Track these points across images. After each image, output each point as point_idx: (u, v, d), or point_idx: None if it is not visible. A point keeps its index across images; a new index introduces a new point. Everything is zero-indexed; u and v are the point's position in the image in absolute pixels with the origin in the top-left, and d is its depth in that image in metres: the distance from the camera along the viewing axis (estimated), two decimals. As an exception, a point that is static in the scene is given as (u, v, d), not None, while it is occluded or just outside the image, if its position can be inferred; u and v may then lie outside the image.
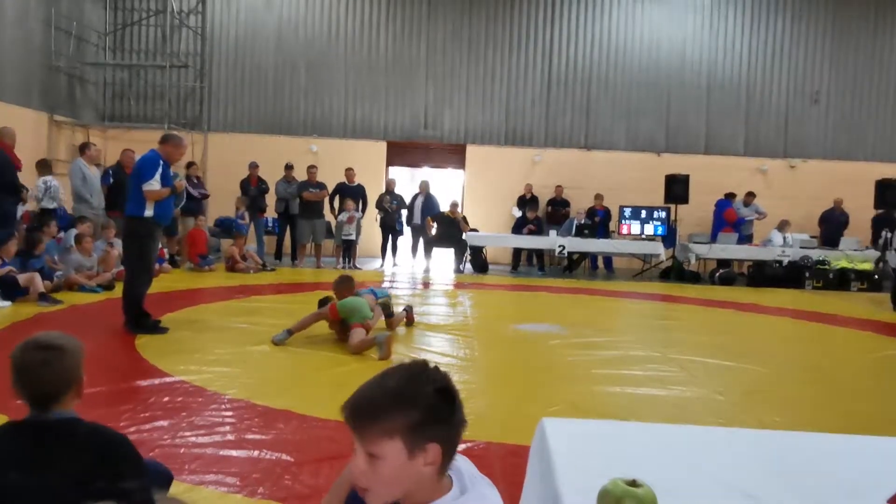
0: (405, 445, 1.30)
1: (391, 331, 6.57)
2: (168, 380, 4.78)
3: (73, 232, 9.25)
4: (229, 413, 4.14)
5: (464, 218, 13.63)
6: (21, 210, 9.46)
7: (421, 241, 13.47)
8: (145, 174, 6.25)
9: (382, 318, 6.75)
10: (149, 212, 6.27)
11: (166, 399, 4.36)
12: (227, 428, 3.87)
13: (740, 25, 15.69)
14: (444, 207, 13.61)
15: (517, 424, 3.94)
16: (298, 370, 5.32)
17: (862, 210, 14.04)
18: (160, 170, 6.26)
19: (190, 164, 12.69)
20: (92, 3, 14.82)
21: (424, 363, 1.41)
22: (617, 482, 1.56)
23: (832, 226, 14.31)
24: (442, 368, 1.41)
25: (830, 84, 15.74)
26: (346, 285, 6.48)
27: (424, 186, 13.59)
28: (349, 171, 13.10)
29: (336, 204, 12.89)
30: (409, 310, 7.26)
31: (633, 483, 1.56)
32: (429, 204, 13.41)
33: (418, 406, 1.31)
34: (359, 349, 5.78)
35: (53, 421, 1.90)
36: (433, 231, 13.27)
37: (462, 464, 1.45)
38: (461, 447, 1.40)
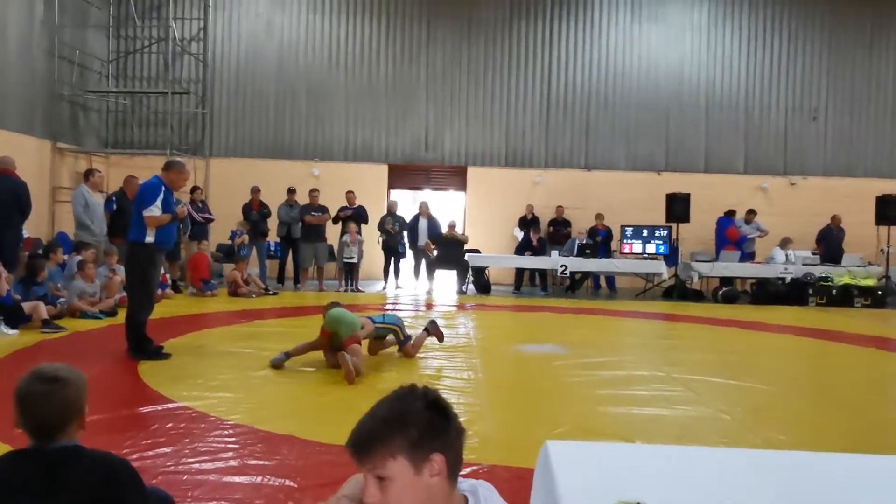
0: (410, 462, 1.36)
1: (410, 357, 6.53)
2: (171, 406, 4.77)
3: (76, 258, 9.27)
4: (232, 439, 4.12)
5: (462, 235, 13.65)
6: (23, 237, 9.50)
7: (423, 262, 13.48)
8: (146, 200, 6.27)
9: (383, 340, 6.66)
10: (150, 238, 6.28)
11: (169, 425, 4.34)
12: (230, 454, 3.86)
13: (737, 45, 15.81)
14: (444, 229, 13.64)
15: (522, 446, 3.91)
16: (301, 395, 5.31)
17: (863, 226, 14.05)
18: (161, 196, 6.29)
19: (194, 189, 12.75)
20: (95, 32, 14.98)
21: (411, 385, 1.48)
22: (621, 504, 1.55)
23: (831, 243, 14.22)
24: (440, 390, 1.45)
25: (828, 101, 15.83)
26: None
27: (425, 208, 13.62)
28: (350, 194, 13.16)
29: (341, 227, 12.94)
30: (432, 327, 6.89)
31: (638, 505, 1.55)
32: (431, 226, 13.43)
33: (412, 423, 1.38)
34: (350, 377, 5.53)
35: (57, 449, 1.91)
36: (433, 253, 13.29)
37: (481, 488, 1.47)
38: (465, 470, 1.42)
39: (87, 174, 10.60)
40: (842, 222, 14.30)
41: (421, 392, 1.44)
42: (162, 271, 10.75)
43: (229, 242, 13.81)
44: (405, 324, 6.82)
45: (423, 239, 13.34)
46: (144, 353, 6.25)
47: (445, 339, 7.13)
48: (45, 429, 1.91)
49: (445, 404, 1.44)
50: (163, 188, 6.34)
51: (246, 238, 13.10)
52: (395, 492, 1.36)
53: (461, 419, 1.49)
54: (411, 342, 6.65)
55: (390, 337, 6.65)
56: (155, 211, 6.24)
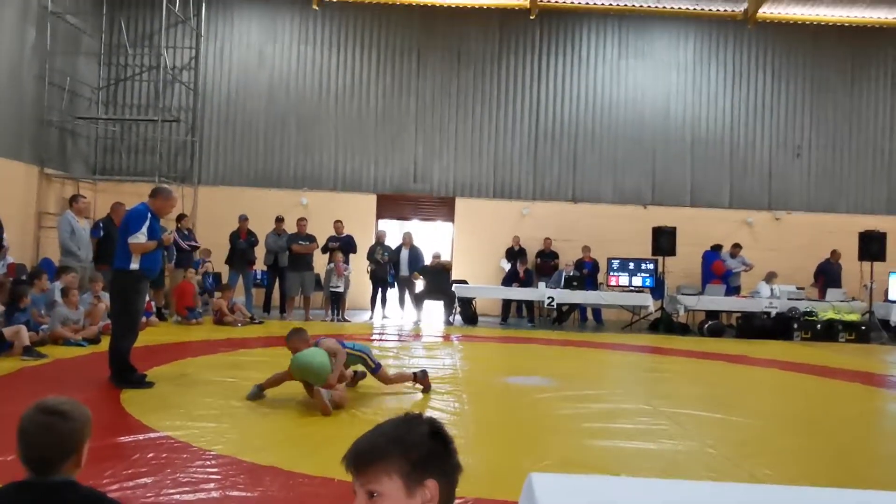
0: (404, 484, 1.38)
1: (387, 384, 6.37)
2: (153, 435, 4.71)
3: (58, 285, 9.19)
4: (214, 469, 4.06)
5: (445, 263, 13.65)
6: (5, 263, 9.42)
7: (407, 293, 13.46)
8: (132, 227, 6.24)
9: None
10: (135, 265, 6.24)
11: (151, 455, 4.28)
12: (212, 485, 3.81)
13: (722, 82, 16.09)
14: (429, 259, 13.65)
15: (507, 479, 3.89)
16: (285, 425, 5.26)
17: (846, 261, 14.18)
18: (147, 223, 6.25)
19: (181, 217, 12.70)
20: (86, 59, 15.04)
21: (419, 413, 1.51)
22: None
23: (831, 278, 14.24)
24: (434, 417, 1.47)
25: (811, 138, 16.09)
26: (298, 337, 6.12)
27: (408, 238, 13.63)
28: (337, 224, 13.17)
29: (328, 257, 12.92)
30: (421, 375, 6.51)
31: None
32: (413, 256, 13.44)
33: (414, 446, 1.41)
34: (326, 412, 5.46)
35: (51, 484, 1.89)
36: (419, 284, 13.29)
37: None
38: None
39: (72, 200, 10.57)
40: (840, 258, 14.34)
41: (427, 419, 1.47)
42: (147, 299, 10.73)
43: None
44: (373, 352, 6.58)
45: (405, 269, 13.33)
46: (127, 382, 6.16)
47: (431, 369, 7.04)
48: (41, 462, 1.89)
49: (449, 437, 1.48)
50: (149, 215, 6.31)
51: (210, 266, 12.97)
52: None
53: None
54: (394, 375, 6.47)
55: (360, 369, 6.45)
56: (140, 238, 6.20)
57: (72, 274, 9.42)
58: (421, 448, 1.41)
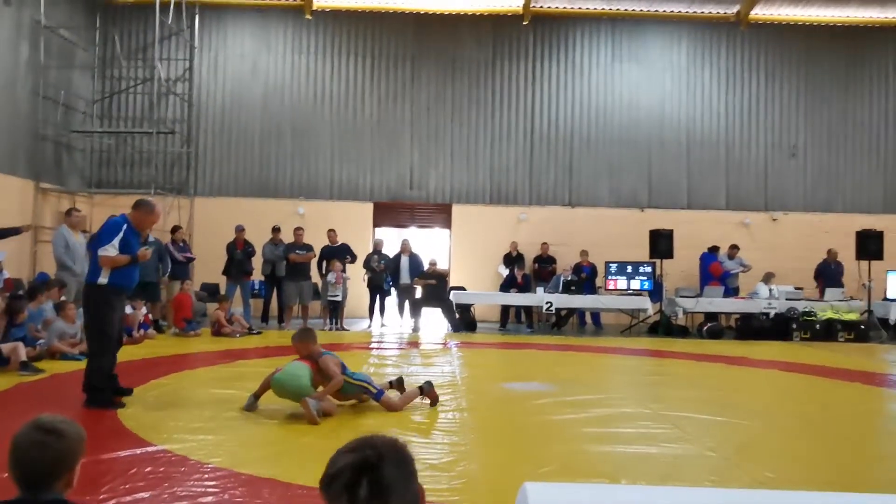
0: None
1: (395, 411, 5.95)
2: (150, 449, 4.68)
3: (48, 302, 9.14)
4: (212, 482, 4.03)
5: (443, 272, 13.62)
6: (2, 278, 9.40)
7: (407, 301, 13.43)
8: (104, 239, 5.93)
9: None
10: (103, 279, 5.90)
11: (148, 469, 4.25)
12: (210, 498, 3.77)
13: (716, 84, 16.13)
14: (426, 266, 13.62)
15: (507, 487, 3.85)
16: (283, 436, 5.23)
17: (844, 261, 14.18)
18: (121, 235, 5.93)
19: (176, 229, 12.69)
20: (80, 73, 15.05)
21: (364, 439, 1.47)
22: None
23: (829, 278, 14.20)
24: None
25: (807, 138, 16.12)
26: (304, 338, 6.03)
27: (406, 246, 13.60)
28: (331, 233, 13.14)
29: (324, 267, 12.87)
30: (427, 388, 6.23)
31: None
32: (413, 263, 13.41)
33: (324, 487, 1.43)
34: (313, 421, 5.40)
35: (42, 502, 1.87)
36: (417, 292, 13.27)
37: None
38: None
39: (67, 214, 10.55)
40: (838, 256, 14.33)
41: (352, 463, 1.41)
42: (144, 311, 10.71)
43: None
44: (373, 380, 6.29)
45: (405, 277, 13.31)
46: (96, 402, 5.84)
47: (430, 376, 6.99)
48: (32, 479, 1.87)
49: (364, 482, 1.39)
50: (124, 227, 6.01)
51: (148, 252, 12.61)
52: None
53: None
54: (400, 398, 6.16)
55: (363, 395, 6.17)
56: (111, 251, 5.86)
57: (55, 289, 9.35)
58: (327, 491, 1.41)
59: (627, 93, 16.03)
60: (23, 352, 7.52)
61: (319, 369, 5.90)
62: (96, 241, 6.07)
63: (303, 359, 6.00)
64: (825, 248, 14.58)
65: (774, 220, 15.86)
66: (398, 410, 5.99)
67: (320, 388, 5.81)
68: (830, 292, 13.59)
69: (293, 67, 15.78)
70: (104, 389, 5.98)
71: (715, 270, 13.99)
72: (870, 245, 13.35)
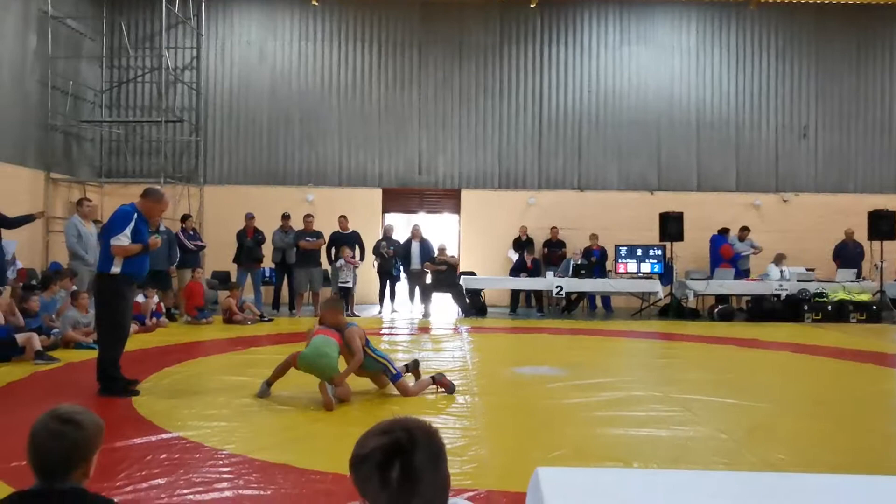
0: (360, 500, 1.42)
1: (409, 396, 5.94)
2: (165, 436, 4.73)
3: (61, 292, 9.21)
4: (227, 469, 4.08)
5: (452, 258, 13.60)
6: (15, 269, 9.47)
7: (417, 287, 13.45)
8: (115, 228, 5.95)
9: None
10: (116, 268, 5.92)
11: (163, 456, 4.30)
12: (225, 484, 3.82)
13: (726, 65, 15.98)
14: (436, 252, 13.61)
15: (519, 471, 3.88)
16: (297, 422, 5.26)
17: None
18: (132, 224, 5.96)
19: (185, 217, 12.75)
20: (88, 63, 15.07)
21: (392, 421, 1.47)
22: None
23: (848, 259, 14.10)
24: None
25: (818, 119, 15.97)
26: (334, 306, 6.07)
27: (417, 231, 13.59)
28: (342, 220, 13.15)
29: (333, 254, 12.91)
30: (439, 378, 6.19)
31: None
32: (423, 248, 13.42)
33: (355, 469, 1.43)
34: (329, 406, 5.45)
35: (59, 492, 1.89)
36: (428, 277, 13.28)
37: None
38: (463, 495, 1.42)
39: (78, 204, 10.61)
40: (854, 235, 14.25)
41: (388, 444, 1.41)
42: (156, 300, 10.78)
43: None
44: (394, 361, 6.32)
45: (416, 262, 13.31)
46: (110, 391, 5.91)
47: (441, 361, 7.03)
48: (49, 469, 1.90)
49: (394, 471, 1.39)
50: (135, 216, 6.03)
51: (159, 240, 12.47)
52: None
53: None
54: (416, 384, 6.16)
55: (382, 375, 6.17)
56: (123, 240, 5.89)
57: (66, 279, 9.43)
58: (359, 475, 1.42)
59: (636, 75, 15.91)
60: (37, 341, 7.60)
61: (345, 342, 5.90)
62: (107, 231, 6.08)
63: (328, 329, 5.99)
64: (837, 228, 14.51)
65: (785, 201, 15.75)
66: (413, 396, 6.00)
67: (343, 369, 5.83)
68: (842, 273, 13.52)
69: (300, 54, 15.75)
70: (118, 378, 6.04)
71: (725, 252, 13.94)
72: (882, 225, 13.26)
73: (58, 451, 1.88)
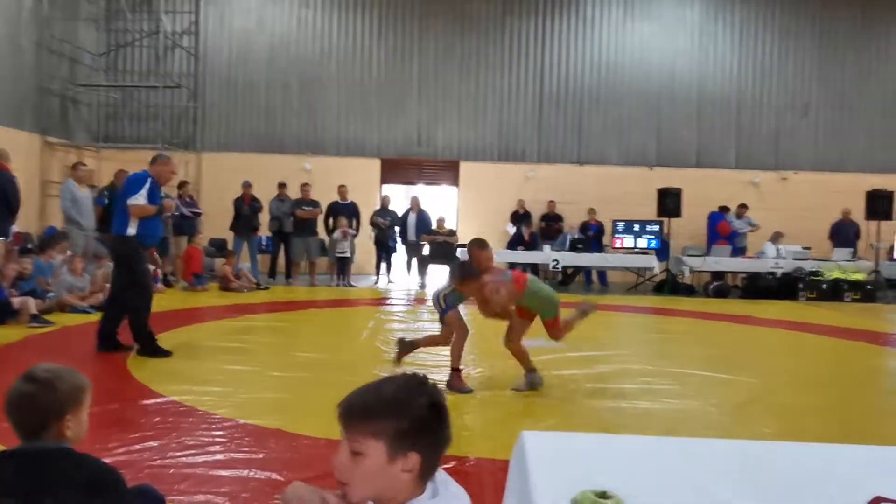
0: (387, 449, 1.36)
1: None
2: (159, 400, 4.76)
3: (58, 257, 9.21)
4: (220, 433, 4.11)
5: (450, 231, 13.59)
6: (12, 231, 9.45)
7: (414, 258, 13.46)
8: (132, 190, 6.16)
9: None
10: (132, 230, 6.14)
11: (157, 419, 4.33)
12: (217, 447, 3.85)
13: (729, 41, 15.83)
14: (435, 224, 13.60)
15: (509, 440, 3.90)
16: (290, 389, 5.30)
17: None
18: (148, 186, 6.19)
19: (183, 184, 12.69)
20: (85, 25, 14.89)
21: (423, 377, 1.46)
22: (586, 494, 1.56)
23: (844, 237, 14.15)
24: (438, 386, 1.44)
25: (819, 97, 15.87)
26: (482, 246, 5.84)
27: (415, 202, 13.57)
28: (342, 189, 13.11)
29: (330, 223, 12.89)
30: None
31: (603, 495, 1.56)
32: (420, 220, 13.40)
33: (408, 415, 1.37)
34: (522, 354, 5.48)
35: (43, 450, 1.88)
36: (425, 249, 13.28)
37: (440, 475, 1.46)
38: (451, 463, 1.43)
39: (73, 168, 10.56)
40: (851, 214, 14.27)
41: (430, 390, 1.43)
42: (153, 267, 10.77)
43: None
44: None
45: (412, 234, 13.30)
46: (154, 351, 6.15)
47: (436, 333, 7.00)
48: (23, 428, 1.90)
49: (445, 410, 1.42)
50: (149, 180, 6.25)
51: (171, 203, 12.00)
52: (362, 470, 1.37)
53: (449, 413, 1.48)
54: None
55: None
56: (140, 199, 6.11)
57: (60, 244, 9.42)
58: (414, 420, 1.37)
59: (639, 50, 15.77)
60: (33, 305, 7.62)
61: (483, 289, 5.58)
62: (123, 194, 6.28)
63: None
64: (835, 208, 14.49)
65: (784, 179, 15.72)
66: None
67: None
68: (838, 252, 13.54)
69: (299, 21, 15.57)
70: (154, 337, 6.26)
71: (722, 230, 13.94)
72: (879, 205, 13.26)
73: (27, 411, 1.88)
